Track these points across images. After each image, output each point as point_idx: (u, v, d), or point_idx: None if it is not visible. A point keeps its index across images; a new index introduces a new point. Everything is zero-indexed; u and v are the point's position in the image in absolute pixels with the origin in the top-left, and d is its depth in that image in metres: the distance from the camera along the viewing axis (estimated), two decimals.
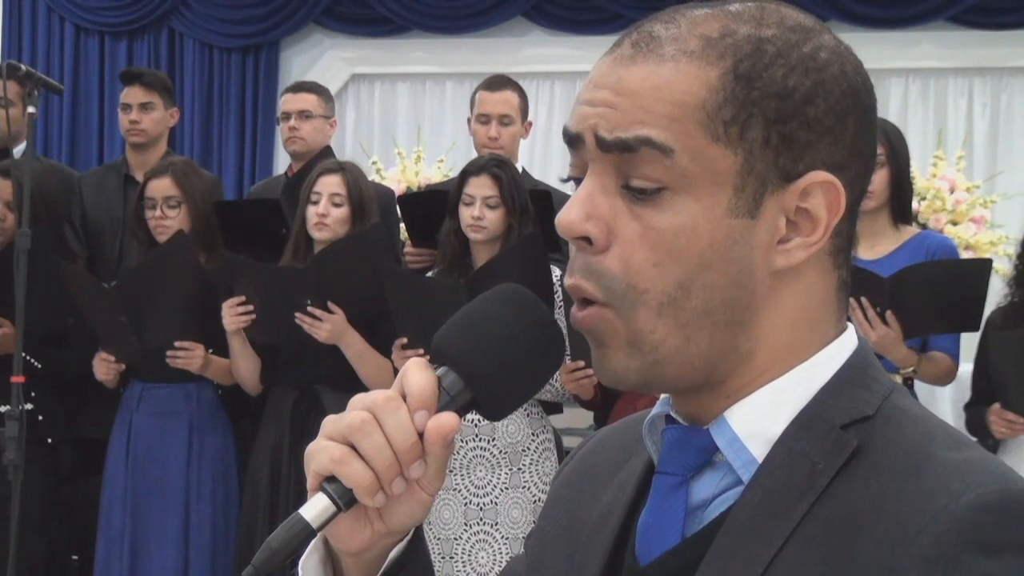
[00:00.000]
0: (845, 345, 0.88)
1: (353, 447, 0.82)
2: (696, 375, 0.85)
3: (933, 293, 3.28)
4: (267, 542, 0.81)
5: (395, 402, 0.83)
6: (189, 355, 3.61)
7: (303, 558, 0.89)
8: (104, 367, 3.67)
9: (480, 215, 3.46)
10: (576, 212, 0.84)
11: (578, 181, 0.87)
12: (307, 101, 4.36)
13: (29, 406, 3.42)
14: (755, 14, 0.85)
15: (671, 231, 0.82)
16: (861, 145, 0.86)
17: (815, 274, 0.86)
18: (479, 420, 3.45)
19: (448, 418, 0.83)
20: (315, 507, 0.82)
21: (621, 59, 0.85)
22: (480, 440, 3.46)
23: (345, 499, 0.82)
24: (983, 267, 3.42)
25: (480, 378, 0.84)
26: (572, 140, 0.87)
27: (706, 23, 0.84)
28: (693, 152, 0.82)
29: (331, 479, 0.82)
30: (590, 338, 0.87)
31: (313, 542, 0.88)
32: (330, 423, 0.83)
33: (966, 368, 3.59)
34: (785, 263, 0.84)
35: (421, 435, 0.83)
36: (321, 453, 0.82)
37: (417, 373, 0.83)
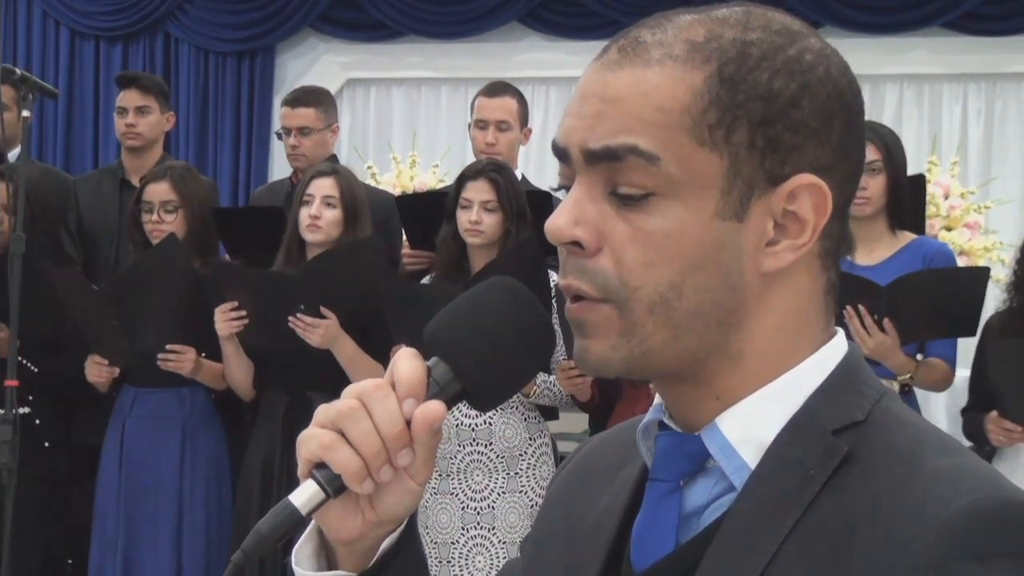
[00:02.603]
0: (835, 350, 0.88)
1: (343, 434, 0.83)
2: (680, 367, 0.86)
3: (930, 300, 3.27)
4: (256, 527, 0.82)
5: (384, 390, 0.83)
6: (180, 358, 3.60)
7: (296, 547, 0.89)
8: (96, 370, 3.66)
9: (477, 219, 3.46)
10: (564, 218, 0.85)
11: (568, 190, 0.88)
12: (305, 117, 4.31)
13: (26, 410, 3.41)
14: (741, 18, 0.85)
15: (660, 233, 0.83)
16: (848, 147, 0.86)
17: (804, 276, 0.87)
18: (476, 425, 3.46)
19: (435, 406, 0.83)
20: (304, 493, 0.83)
21: (608, 64, 0.85)
22: (477, 445, 3.46)
23: (334, 485, 0.83)
24: (981, 275, 3.43)
25: (469, 369, 0.85)
26: (560, 153, 0.88)
27: (692, 28, 0.85)
28: (679, 158, 0.82)
29: (321, 466, 0.83)
30: (578, 329, 0.87)
31: (307, 532, 0.89)
32: (321, 411, 0.85)
33: (961, 374, 3.60)
34: (774, 265, 0.85)
35: (410, 423, 0.83)
36: (311, 440, 0.83)
37: (407, 362, 0.84)
